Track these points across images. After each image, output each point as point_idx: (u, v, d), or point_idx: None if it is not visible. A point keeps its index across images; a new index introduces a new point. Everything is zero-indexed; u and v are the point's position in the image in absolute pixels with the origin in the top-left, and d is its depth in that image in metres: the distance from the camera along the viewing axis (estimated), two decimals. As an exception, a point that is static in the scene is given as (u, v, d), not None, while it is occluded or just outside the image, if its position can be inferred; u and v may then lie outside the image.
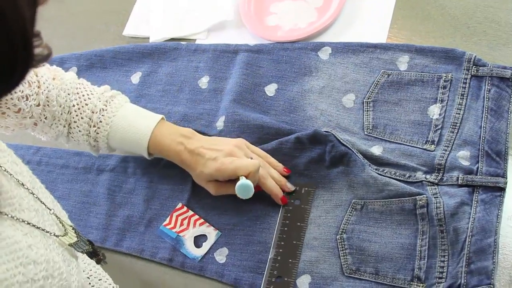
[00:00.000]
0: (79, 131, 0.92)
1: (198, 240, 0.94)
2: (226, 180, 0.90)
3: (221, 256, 0.91)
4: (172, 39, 1.17)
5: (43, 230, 0.61)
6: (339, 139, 0.91)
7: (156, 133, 0.92)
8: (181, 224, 0.96)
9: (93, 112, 0.91)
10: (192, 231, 0.95)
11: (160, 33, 1.18)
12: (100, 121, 0.91)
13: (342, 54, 1.02)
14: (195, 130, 0.96)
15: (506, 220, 0.82)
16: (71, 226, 0.69)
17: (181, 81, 1.10)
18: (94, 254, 0.73)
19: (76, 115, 0.92)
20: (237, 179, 0.88)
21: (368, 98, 0.96)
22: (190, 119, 1.05)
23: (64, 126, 0.93)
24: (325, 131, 0.92)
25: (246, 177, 0.87)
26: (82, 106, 0.92)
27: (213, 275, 0.90)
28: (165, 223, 0.96)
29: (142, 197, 1.01)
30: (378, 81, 0.97)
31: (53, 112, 0.90)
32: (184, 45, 1.14)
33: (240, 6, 1.15)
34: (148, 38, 1.19)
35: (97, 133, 0.92)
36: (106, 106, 0.92)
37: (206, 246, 0.93)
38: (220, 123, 1.01)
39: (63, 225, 0.67)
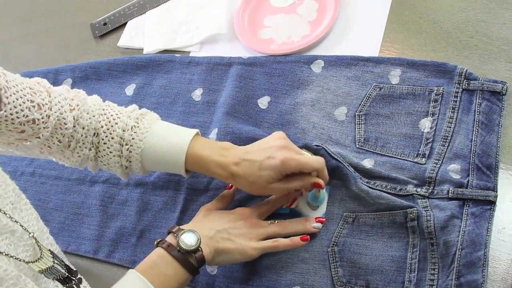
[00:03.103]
0: (110, 152, 0.86)
1: (311, 204, 0.92)
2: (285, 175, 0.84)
3: (212, 267, 0.91)
4: (166, 51, 1.18)
5: (11, 256, 0.60)
6: (330, 152, 0.91)
7: (193, 146, 0.86)
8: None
9: (124, 131, 0.86)
10: (302, 198, 0.92)
11: (154, 44, 1.19)
12: (133, 139, 0.86)
13: (335, 68, 1.03)
14: None
15: (496, 234, 0.82)
16: (49, 251, 0.68)
17: (174, 93, 1.11)
18: (68, 280, 0.69)
19: (106, 136, 0.86)
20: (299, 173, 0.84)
21: (360, 111, 0.97)
22: (183, 131, 1.05)
23: (90, 149, 0.87)
24: (315, 145, 0.93)
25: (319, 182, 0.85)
26: (112, 126, 0.86)
27: (204, 286, 0.90)
28: None
29: (135, 209, 1.01)
30: (370, 94, 0.97)
31: (70, 135, 0.85)
32: (178, 57, 1.14)
33: (234, 19, 1.15)
34: (142, 49, 1.20)
35: (130, 152, 0.86)
36: (137, 123, 0.87)
37: (322, 204, 0.91)
38: (213, 135, 1.01)
39: (40, 249, 0.65)
